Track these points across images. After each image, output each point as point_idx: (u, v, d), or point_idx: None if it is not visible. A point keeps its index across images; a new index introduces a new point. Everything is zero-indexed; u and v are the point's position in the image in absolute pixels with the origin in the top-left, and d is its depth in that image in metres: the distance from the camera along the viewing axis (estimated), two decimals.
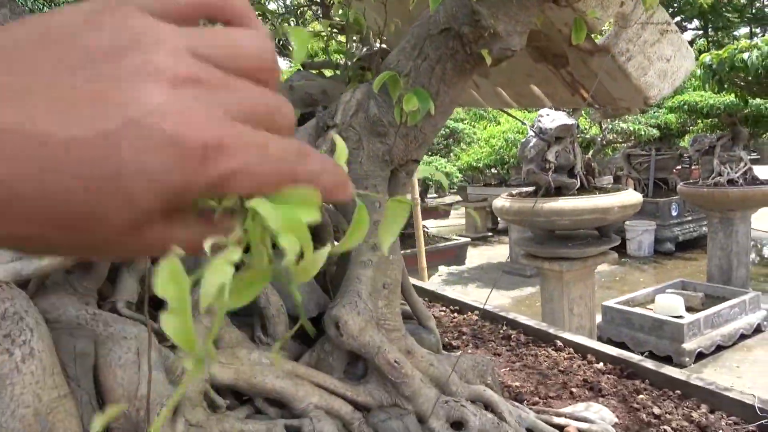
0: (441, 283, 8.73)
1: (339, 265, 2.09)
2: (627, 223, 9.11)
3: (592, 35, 1.64)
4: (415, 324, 2.28)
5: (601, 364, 2.62)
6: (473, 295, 8.39)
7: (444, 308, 3.62)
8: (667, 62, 1.60)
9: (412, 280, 4.18)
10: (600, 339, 5.99)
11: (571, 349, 2.80)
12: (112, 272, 1.60)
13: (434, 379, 1.78)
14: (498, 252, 10.47)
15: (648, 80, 1.61)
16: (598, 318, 6.00)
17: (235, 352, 1.56)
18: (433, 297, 3.83)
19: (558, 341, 2.87)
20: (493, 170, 9.87)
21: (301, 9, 3.26)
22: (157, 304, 1.85)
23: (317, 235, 2.34)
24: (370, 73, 2.61)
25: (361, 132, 1.73)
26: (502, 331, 3.13)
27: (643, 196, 9.18)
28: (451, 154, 6.97)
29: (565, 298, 5.35)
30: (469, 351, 2.84)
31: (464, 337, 3.04)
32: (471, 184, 10.64)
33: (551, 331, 2.96)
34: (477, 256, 9.91)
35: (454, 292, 8.35)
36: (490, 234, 11.34)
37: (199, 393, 1.43)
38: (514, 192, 5.98)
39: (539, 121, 5.56)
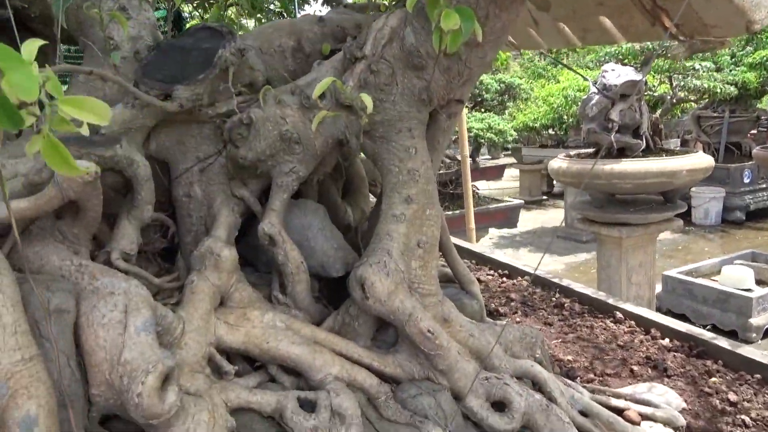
0: (491, 246, 8.43)
1: (372, 221, 1.88)
2: (693, 189, 8.51)
3: None
4: (456, 288, 2.06)
5: (667, 340, 2.33)
6: (525, 259, 8.06)
7: (492, 272, 3.38)
8: None
9: (459, 242, 3.93)
10: (659, 310, 5.61)
11: (632, 322, 2.51)
12: (112, 219, 1.44)
13: (474, 351, 1.56)
14: (552, 216, 10.04)
15: None
16: (658, 288, 5.61)
17: (247, 313, 1.38)
18: (480, 259, 3.58)
19: (617, 313, 2.59)
20: (550, 131, 9.36)
21: None
22: (163, 256, 1.69)
23: (352, 183, 2.13)
24: None
25: (394, 65, 1.48)
26: (554, 299, 2.86)
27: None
28: (506, 111, 6.56)
29: (623, 265, 5.01)
30: (517, 320, 2.60)
31: (512, 303, 2.80)
32: (526, 145, 10.15)
33: (610, 301, 2.68)
34: (530, 220, 9.53)
35: (504, 255, 8.08)
36: (544, 198, 10.88)
37: (202, 358, 1.26)
38: (572, 153, 5.59)
39: (603, 76, 5.12)
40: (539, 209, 10.59)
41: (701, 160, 4.58)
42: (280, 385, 1.36)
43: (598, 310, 2.68)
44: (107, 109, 0.70)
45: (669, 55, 4.81)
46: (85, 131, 0.80)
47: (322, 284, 1.76)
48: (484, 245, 8.31)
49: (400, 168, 1.52)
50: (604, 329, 2.47)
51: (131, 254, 1.32)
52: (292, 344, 1.34)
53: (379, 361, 1.45)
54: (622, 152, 4.98)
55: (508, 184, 12.10)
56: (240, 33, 1.86)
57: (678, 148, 5.54)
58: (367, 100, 1.22)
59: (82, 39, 1.95)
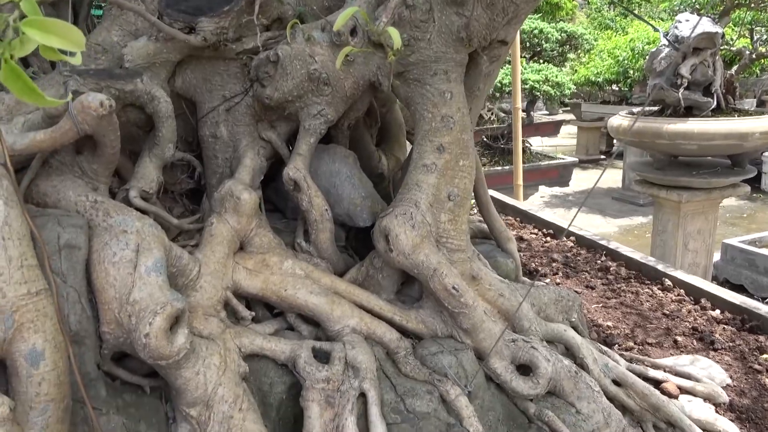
0: (541, 205, 8.20)
1: (405, 170, 1.79)
2: (765, 153, 7.96)
3: None
4: (492, 245, 1.97)
5: (718, 311, 2.18)
6: (577, 220, 7.81)
7: (536, 231, 3.25)
8: None
9: (505, 198, 3.80)
10: (715, 279, 5.35)
11: (681, 291, 2.37)
12: (135, 156, 1.41)
13: (503, 312, 1.48)
14: (609, 177, 9.65)
15: None
16: (716, 256, 5.35)
17: (266, 259, 1.35)
18: (525, 217, 3.45)
19: (667, 280, 2.44)
20: (613, 86, 8.85)
21: None
22: (190, 196, 1.67)
23: (389, 131, 2.04)
24: None
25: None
26: (599, 261, 2.73)
27: None
28: (566, 63, 6.20)
29: (680, 231, 4.77)
30: (557, 281, 2.49)
31: (554, 264, 2.68)
32: (587, 101, 9.66)
33: (660, 267, 2.52)
34: (585, 180, 9.19)
35: (554, 215, 7.86)
36: (602, 157, 10.43)
37: (217, 302, 1.23)
38: (635, 110, 5.27)
39: (676, 27, 4.74)
40: (596, 169, 10.18)
41: None
42: (298, 333, 1.33)
43: (646, 276, 2.53)
44: (80, 34, 0.63)
45: (752, 4, 4.38)
46: (77, 61, 0.75)
47: (349, 234, 1.71)
48: (534, 203, 8.09)
49: (433, 114, 1.42)
50: (651, 296, 2.34)
51: (151, 193, 1.29)
52: (311, 293, 1.30)
53: (401, 316, 1.40)
54: (689, 111, 4.66)
55: (564, 141, 11.65)
56: None
57: (753, 109, 5.13)
58: (395, 34, 1.12)
59: None
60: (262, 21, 1.46)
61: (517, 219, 3.47)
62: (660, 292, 2.37)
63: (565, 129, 11.07)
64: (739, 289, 5.25)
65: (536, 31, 5.67)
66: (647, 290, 2.39)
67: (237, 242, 1.34)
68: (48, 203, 1.15)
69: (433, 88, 1.42)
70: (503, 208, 3.64)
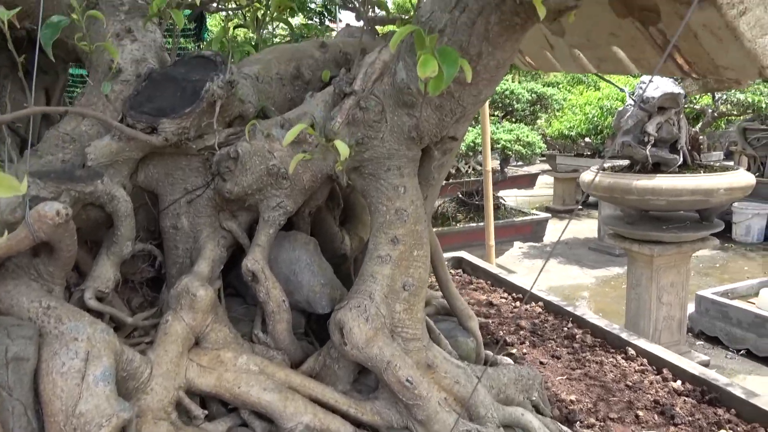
0: (520, 257, 8.29)
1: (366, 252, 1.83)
2: (735, 204, 8.18)
3: None
4: (454, 323, 2.00)
5: (679, 382, 2.22)
6: (554, 272, 7.88)
7: (506, 295, 3.29)
8: None
9: (476, 260, 3.85)
10: (691, 331, 5.40)
11: (644, 360, 2.40)
12: (97, 246, 1.44)
13: (459, 399, 1.50)
14: (585, 227, 9.81)
15: (767, 43, 1.18)
16: (691, 308, 5.41)
17: (221, 355, 1.36)
18: (495, 281, 3.49)
19: (630, 349, 2.48)
20: (586, 139, 9.12)
21: None
22: (151, 285, 1.68)
23: (352, 210, 2.09)
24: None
25: (384, 101, 1.43)
26: (566, 329, 2.76)
27: (759, 176, 8.16)
28: (538, 122, 6.42)
29: (653, 284, 4.85)
30: (524, 351, 2.52)
31: (522, 332, 2.71)
32: (561, 152, 9.92)
33: (624, 335, 2.56)
34: (561, 230, 9.33)
35: (532, 266, 7.87)
36: (578, 207, 10.62)
37: (168, 404, 1.24)
38: (606, 165, 5.43)
39: (641, 88, 4.95)
40: (573, 219, 10.35)
41: (740, 178, 4.38)
42: (251, 431, 1.33)
43: (611, 344, 2.57)
44: (15, 182, 0.68)
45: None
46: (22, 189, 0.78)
47: (310, 318, 1.74)
48: (513, 255, 8.17)
49: (387, 207, 1.48)
50: (614, 366, 2.37)
51: (106, 292, 1.31)
52: (264, 390, 1.31)
53: (356, 408, 1.41)
54: (657, 167, 4.83)
55: (542, 192, 11.86)
56: (234, 61, 1.84)
57: (717, 164, 5.31)
58: (342, 148, 1.18)
59: (87, 62, 1.96)
60: (224, 119, 1.51)
61: (488, 282, 3.51)
62: (624, 361, 2.41)
63: (542, 179, 11.30)
64: (715, 341, 5.31)
65: (507, 92, 5.89)
66: (611, 359, 2.42)
67: (192, 339, 1.35)
68: (1, 309, 1.16)
69: (387, 183, 1.47)
70: (474, 270, 3.69)
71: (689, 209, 4.72)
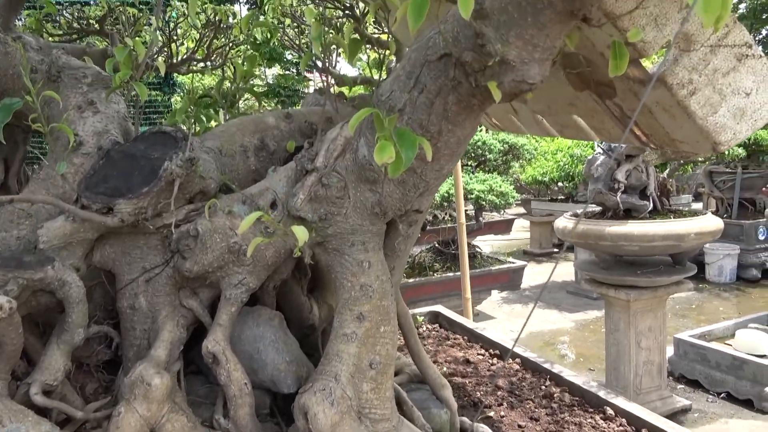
0: (498, 301, 8.25)
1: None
2: (707, 245, 8.32)
3: (642, 60, 1.26)
4: (428, 392, 1.95)
5: None
6: (533, 316, 7.85)
7: (483, 351, 3.24)
8: (747, 97, 1.19)
9: (453, 315, 3.81)
10: (671, 375, 5.38)
11: (623, 420, 2.36)
12: (49, 329, 1.37)
13: None
14: (563, 270, 9.85)
15: (718, 120, 1.21)
16: (670, 350, 5.41)
17: None
18: (472, 336, 3.45)
19: (608, 408, 2.44)
20: (559, 184, 9.27)
21: (336, 20, 3.01)
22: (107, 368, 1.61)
23: (320, 278, 2.05)
24: None
25: (347, 177, 1.42)
26: (544, 387, 2.72)
27: (727, 218, 8.33)
28: (511, 169, 6.54)
29: (632, 329, 4.85)
30: (502, 413, 2.46)
31: (499, 393, 2.66)
32: (536, 197, 10.05)
33: (601, 394, 2.53)
34: (540, 274, 9.37)
35: (510, 314, 7.83)
36: (555, 250, 10.70)
37: None
38: (578, 211, 5.49)
39: None
40: (550, 262, 10.39)
41: (710, 222, 4.47)
42: None
43: (589, 403, 2.53)
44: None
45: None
46: None
47: (276, 397, 1.67)
48: (492, 301, 8.13)
49: (352, 283, 1.45)
50: (593, 427, 2.32)
51: (55, 384, 1.25)
52: None
53: None
54: (628, 213, 4.90)
55: (518, 235, 11.94)
56: (197, 132, 1.83)
57: (687, 209, 5.41)
58: (300, 233, 1.16)
59: (48, 134, 1.93)
60: (184, 196, 1.49)
61: (465, 338, 3.46)
62: (603, 422, 2.36)
63: (519, 222, 11.40)
64: (695, 384, 5.29)
65: (480, 143, 5.99)
66: (590, 420, 2.38)
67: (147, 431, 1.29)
68: None
69: (352, 258, 1.45)
70: (451, 325, 3.65)
71: (662, 254, 4.78)
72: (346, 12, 2.99)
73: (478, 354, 3.21)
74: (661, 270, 4.67)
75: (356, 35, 3.37)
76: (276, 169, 1.56)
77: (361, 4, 2.92)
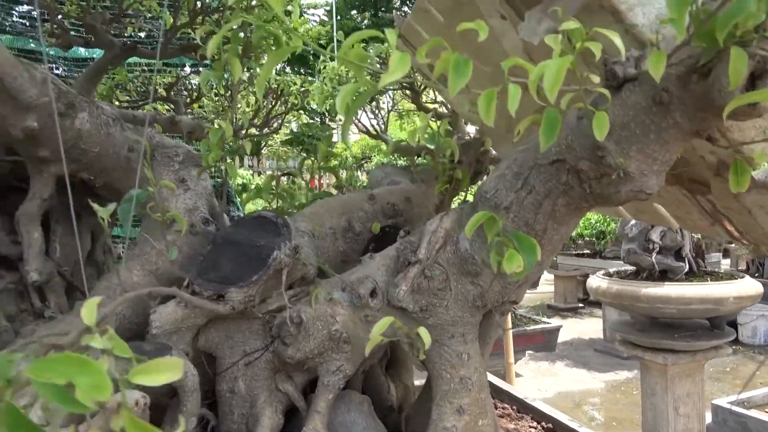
0: (526, 360, 8.13)
1: (418, 407, 1.80)
2: None
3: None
4: None
5: None
6: (561, 375, 7.72)
7: (534, 424, 3.19)
8: None
9: (498, 381, 3.77)
10: None
11: None
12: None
13: None
14: (589, 326, 9.72)
15: None
16: (708, 417, 5.27)
17: None
18: (521, 406, 3.40)
19: None
20: (585, 238, 9.26)
21: (393, 91, 3.13)
22: None
23: (394, 357, 2.06)
24: (463, 172, 2.36)
25: (448, 269, 1.46)
26: None
27: (758, 276, 8.23)
28: None
29: (669, 394, 4.74)
30: None
31: None
32: (563, 251, 10.02)
33: None
34: (566, 330, 9.23)
35: (537, 372, 7.67)
36: (580, 305, 10.59)
37: None
38: (611, 270, 5.47)
39: None
40: (575, 317, 10.28)
41: (749, 287, 4.44)
42: None
43: None
44: (180, 363, 0.69)
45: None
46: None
47: None
48: (520, 361, 8.02)
49: (452, 375, 1.47)
50: None
51: None
52: None
53: None
54: (664, 274, 4.88)
55: (542, 289, 11.86)
56: (292, 212, 1.89)
57: (723, 272, 5.37)
58: (425, 335, 1.19)
59: (138, 210, 2.01)
60: (286, 282, 1.53)
61: (513, 408, 3.41)
62: None
63: (542, 275, 11.33)
64: None
65: None
66: None
67: None
68: None
69: (451, 350, 1.47)
70: (498, 393, 3.60)
71: (700, 317, 4.73)
72: (404, 84, 3.10)
73: (530, 427, 3.15)
74: (698, 334, 4.61)
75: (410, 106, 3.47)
76: (373, 257, 1.61)
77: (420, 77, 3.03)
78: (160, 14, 2.74)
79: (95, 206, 1.42)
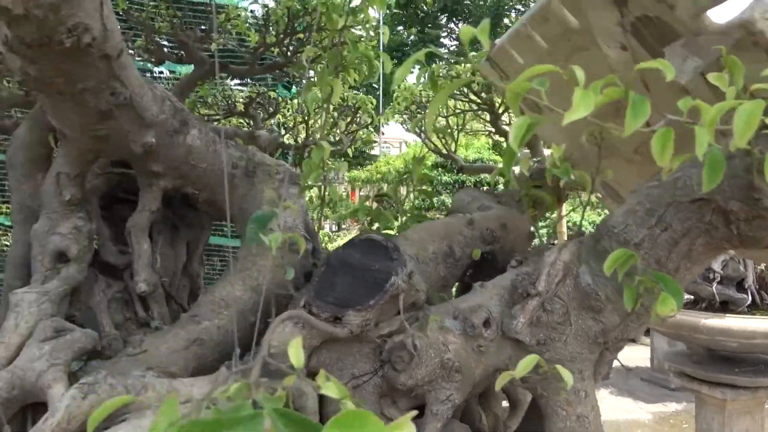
0: None
1: None
2: None
3: None
4: None
5: None
6: (606, 402, 7.51)
7: None
8: None
9: None
10: None
11: None
12: None
13: None
14: (635, 354, 9.44)
15: None
16: None
17: None
18: None
19: None
20: None
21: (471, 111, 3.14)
22: None
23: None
24: (551, 197, 2.32)
25: (568, 304, 1.43)
26: None
27: None
28: None
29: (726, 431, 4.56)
30: None
31: None
32: None
33: None
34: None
35: None
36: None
37: None
38: None
39: None
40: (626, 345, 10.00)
41: None
42: None
43: None
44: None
45: None
46: None
47: None
48: None
49: (568, 412, 1.43)
50: None
51: None
52: None
53: None
54: (724, 305, 4.71)
55: None
56: (394, 234, 1.89)
57: None
58: (566, 374, 1.16)
59: (240, 225, 2.04)
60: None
61: None
62: None
63: None
64: None
65: (570, 223, 5.98)
66: None
67: None
68: None
69: (570, 388, 1.44)
70: None
71: (763, 352, 4.55)
72: (482, 105, 3.09)
73: None
74: (761, 369, 4.43)
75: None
76: (484, 285, 1.59)
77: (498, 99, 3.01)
78: (248, 32, 2.81)
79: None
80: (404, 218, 2.01)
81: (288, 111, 3.70)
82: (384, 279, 1.47)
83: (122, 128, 1.63)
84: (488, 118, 3.74)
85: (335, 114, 3.45)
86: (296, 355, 0.73)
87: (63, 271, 1.71)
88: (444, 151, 3.38)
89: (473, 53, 3.09)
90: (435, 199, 9.36)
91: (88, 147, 1.69)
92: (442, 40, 18.40)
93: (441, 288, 1.77)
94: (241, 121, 3.49)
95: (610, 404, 7.51)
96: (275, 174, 2.02)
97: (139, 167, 1.85)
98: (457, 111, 3.29)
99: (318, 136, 3.75)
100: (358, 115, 3.28)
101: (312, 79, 2.58)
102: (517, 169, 3.12)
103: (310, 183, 1.98)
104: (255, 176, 2.00)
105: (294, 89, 4.63)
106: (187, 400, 1.37)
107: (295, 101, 4.04)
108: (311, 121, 3.66)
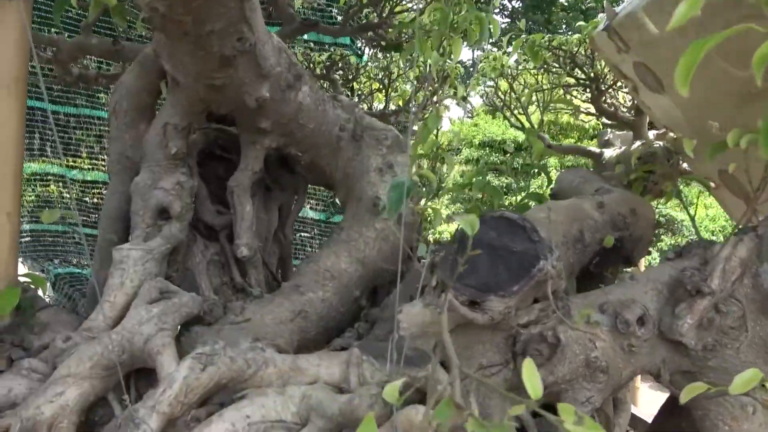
0: (647, 384, 7.69)
1: None
2: None
3: None
4: None
5: None
6: (646, 396, 7.25)
7: None
8: None
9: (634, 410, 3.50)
10: None
11: None
12: None
13: None
14: None
15: None
16: None
17: None
18: None
19: None
20: None
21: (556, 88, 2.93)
22: None
23: None
24: (670, 183, 2.11)
25: (745, 306, 1.24)
26: None
27: None
28: (659, 244, 6.14)
29: None
30: None
31: None
32: None
33: None
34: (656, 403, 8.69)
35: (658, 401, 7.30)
36: None
37: None
38: None
39: None
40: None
41: None
42: None
43: None
44: None
45: None
46: None
47: None
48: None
49: (731, 428, 1.26)
50: None
51: None
52: None
53: None
54: None
55: None
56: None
57: None
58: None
59: (344, 193, 1.90)
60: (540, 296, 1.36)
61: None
62: None
63: None
64: None
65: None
66: None
67: None
68: None
69: (735, 400, 1.26)
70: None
71: None
72: (581, 80, 2.87)
73: None
74: None
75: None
76: (634, 277, 1.41)
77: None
78: None
79: None
80: (521, 196, 1.83)
81: (364, 77, 3.54)
82: (530, 263, 1.30)
83: (239, 78, 1.49)
84: (578, 97, 3.50)
85: (416, 82, 3.26)
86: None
87: (165, 229, 1.59)
88: (527, 125, 3.17)
89: (581, 23, 2.83)
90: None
91: (200, 97, 1.55)
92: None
93: (571, 275, 1.60)
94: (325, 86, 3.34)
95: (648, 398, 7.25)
96: (384, 140, 1.86)
97: (245, 123, 1.72)
98: (555, 86, 3.07)
99: (401, 103, 3.58)
100: (446, 84, 3.10)
101: (414, 41, 2.40)
102: (610, 152, 2.89)
103: (421, 152, 1.82)
104: (362, 140, 1.85)
105: (366, 56, 4.43)
106: (314, 380, 1.25)
107: (369, 67, 3.86)
108: (390, 90, 3.49)
